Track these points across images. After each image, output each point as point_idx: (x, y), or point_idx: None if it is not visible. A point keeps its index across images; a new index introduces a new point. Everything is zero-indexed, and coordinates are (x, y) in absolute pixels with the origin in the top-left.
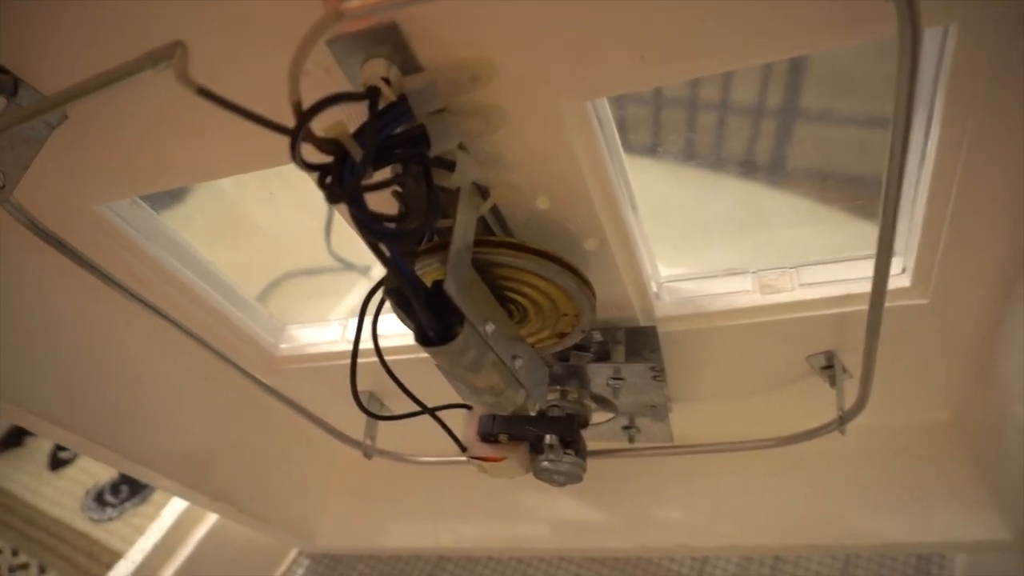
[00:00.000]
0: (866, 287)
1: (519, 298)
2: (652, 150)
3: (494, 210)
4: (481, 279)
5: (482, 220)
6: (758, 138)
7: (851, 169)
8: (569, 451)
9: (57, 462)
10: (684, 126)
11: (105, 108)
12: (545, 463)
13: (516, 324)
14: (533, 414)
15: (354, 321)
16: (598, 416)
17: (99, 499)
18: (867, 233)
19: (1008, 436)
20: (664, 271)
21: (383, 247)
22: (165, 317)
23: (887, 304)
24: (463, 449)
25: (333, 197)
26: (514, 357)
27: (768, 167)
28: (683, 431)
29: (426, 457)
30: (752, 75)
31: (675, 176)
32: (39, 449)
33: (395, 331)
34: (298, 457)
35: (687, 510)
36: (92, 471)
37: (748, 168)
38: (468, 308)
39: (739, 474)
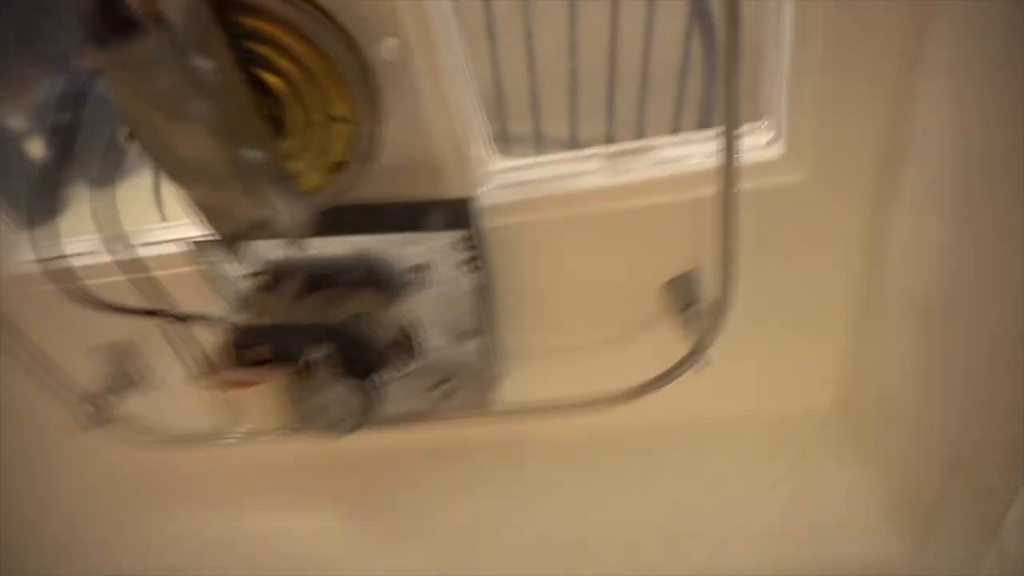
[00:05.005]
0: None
1: (270, 77)
2: None
3: None
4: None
5: None
6: None
7: None
8: (352, 375)
9: None
10: None
11: None
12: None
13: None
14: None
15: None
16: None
17: None
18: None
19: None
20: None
21: None
22: None
23: (750, 185)
24: (210, 368)
25: None
26: (247, 143)
27: None
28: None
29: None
30: None
31: None
32: None
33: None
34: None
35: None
36: None
37: None
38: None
39: (581, 478)
